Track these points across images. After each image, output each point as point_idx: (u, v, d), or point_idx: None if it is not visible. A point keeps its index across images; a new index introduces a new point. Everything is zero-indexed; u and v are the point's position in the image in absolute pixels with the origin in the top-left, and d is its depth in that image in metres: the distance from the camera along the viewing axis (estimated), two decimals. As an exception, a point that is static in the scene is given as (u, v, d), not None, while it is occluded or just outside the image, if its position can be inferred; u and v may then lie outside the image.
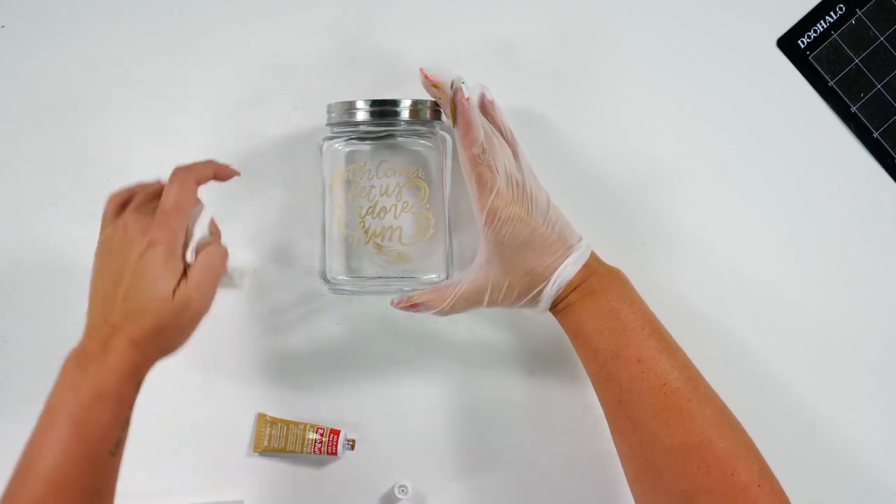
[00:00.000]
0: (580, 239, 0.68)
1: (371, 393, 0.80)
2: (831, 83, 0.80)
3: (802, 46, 0.80)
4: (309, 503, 0.81)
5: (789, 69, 0.80)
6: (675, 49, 0.80)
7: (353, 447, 0.79)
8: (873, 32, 0.80)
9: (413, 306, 0.69)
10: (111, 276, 0.61)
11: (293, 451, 0.78)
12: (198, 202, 0.65)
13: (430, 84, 0.69)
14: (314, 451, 0.78)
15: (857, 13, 0.80)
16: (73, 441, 0.58)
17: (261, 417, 0.79)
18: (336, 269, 0.75)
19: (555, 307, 0.69)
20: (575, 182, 0.80)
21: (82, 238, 0.79)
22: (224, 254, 0.65)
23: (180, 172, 0.64)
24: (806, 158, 0.81)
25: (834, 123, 0.81)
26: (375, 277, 0.75)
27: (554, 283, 0.66)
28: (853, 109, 0.80)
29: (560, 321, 0.69)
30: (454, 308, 0.68)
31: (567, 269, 0.66)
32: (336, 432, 0.78)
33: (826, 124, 0.81)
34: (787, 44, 0.80)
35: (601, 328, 0.66)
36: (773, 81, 0.81)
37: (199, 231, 0.66)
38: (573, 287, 0.67)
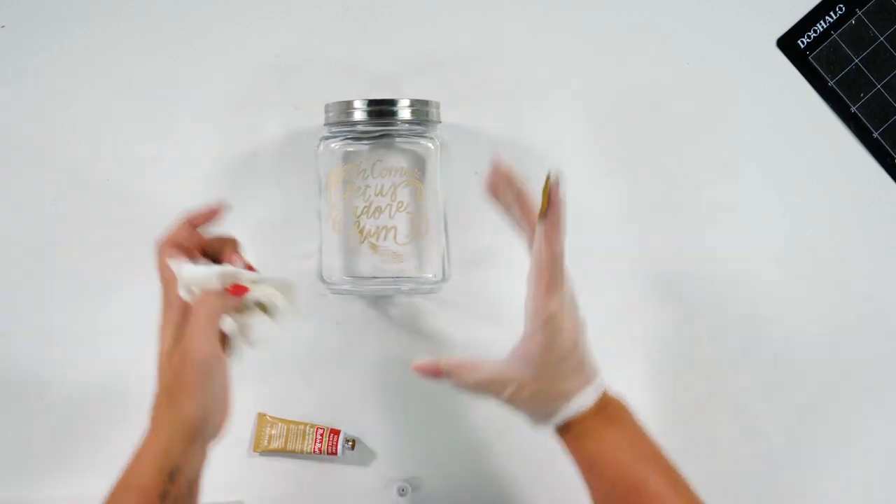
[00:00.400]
0: (597, 371, 0.66)
1: (371, 393, 0.80)
2: (831, 83, 0.80)
3: (802, 46, 0.80)
4: (309, 503, 0.81)
5: (789, 69, 0.80)
6: (675, 49, 0.80)
7: (353, 447, 0.79)
8: (873, 32, 0.80)
9: (437, 373, 0.65)
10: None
11: (293, 451, 0.78)
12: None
13: (502, 172, 0.63)
14: (314, 451, 0.78)
15: (857, 13, 0.80)
16: None
17: (261, 417, 0.79)
18: (333, 269, 0.75)
19: (567, 431, 0.65)
20: (572, 181, 0.80)
21: (81, 238, 0.79)
22: (210, 301, 0.61)
23: (155, 248, 0.64)
24: (806, 158, 0.81)
25: (834, 123, 0.81)
26: (372, 277, 0.75)
27: (573, 405, 0.63)
28: (853, 109, 0.80)
29: (571, 446, 0.66)
30: (476, 387, 0.65)
31: (587, 397, 0.64)
32: (336, 432, 0.78)
33: (826, 124, 0.81)
34: (787, 44, 0.80)
35: (619, 458, 0.64)
36: (773, 81, 0.81)
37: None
38: (591, 415, 0.64)
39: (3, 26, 0.79)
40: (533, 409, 0.65)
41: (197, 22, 0.80)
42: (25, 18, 0.79)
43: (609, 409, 0.65)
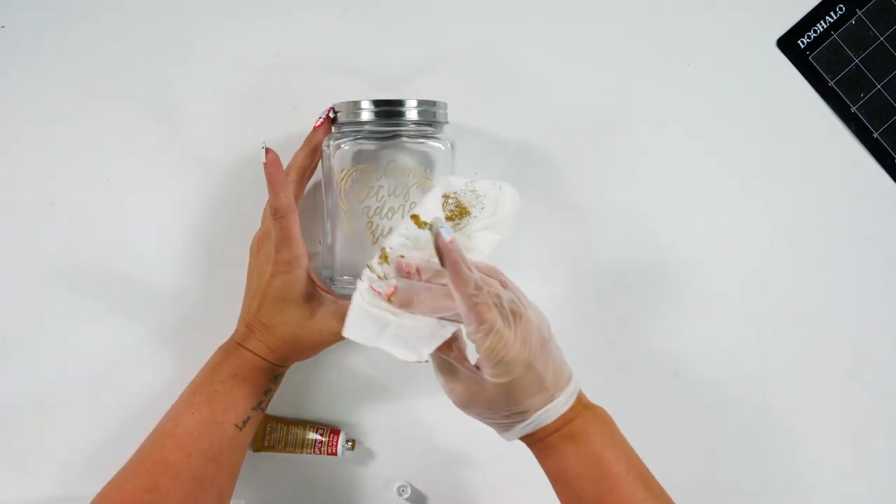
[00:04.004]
0: (570, 378, 0.65)
1: (371, 393, 0.80)
2: (831, 83, 0.80)
3: (802, 46, 0.80)
4: (309, 503, 0.81)
5: (789, 69, 0.81)
6: (675, 49, 0.80)
7: (353, 447, 0.79)
8: (873, 32, 0.80)
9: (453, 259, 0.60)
10: (250, 291, 0.72)
11: (293, 451, 0.78)
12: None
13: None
14: (314, 451, 0.78)
15: (857, 13, 0.80)
16: (205, 407, 0.67)
17: (261, 417, 0.79)
18: (343, 269, 0.74)
19: (531, 443, 0.65)
20: (570, 181, 0.80)
21: (81, 238, 0.79)
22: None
23: (275, 176, 0.68)
24: (806, 158, 0.81)
25: (834, 123, 0.81)
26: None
27: (530, 423, 0.63)
28: (853, 109, 0.80)
29: (538, 457, 0.66)
30: (445, 381, 0.65)
31: (546, 414, 0.63)
32: (336, 432, 0.78)
33: (826, 124, 0.81)
34: (787, 44, 0.80)
35: (584, 474, 0.62)
36: (773, 81, 0.81)
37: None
38: (555, 429, 0.64)
39: (2, 26, 0.79)
40: (492, 422, 0.65)
41: (197, 22, 0.80)
42: (25, 18, 0.79)
43: (575, 424, 0.64)
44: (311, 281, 0.71)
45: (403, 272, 0.65)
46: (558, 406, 0.63)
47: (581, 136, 0.80)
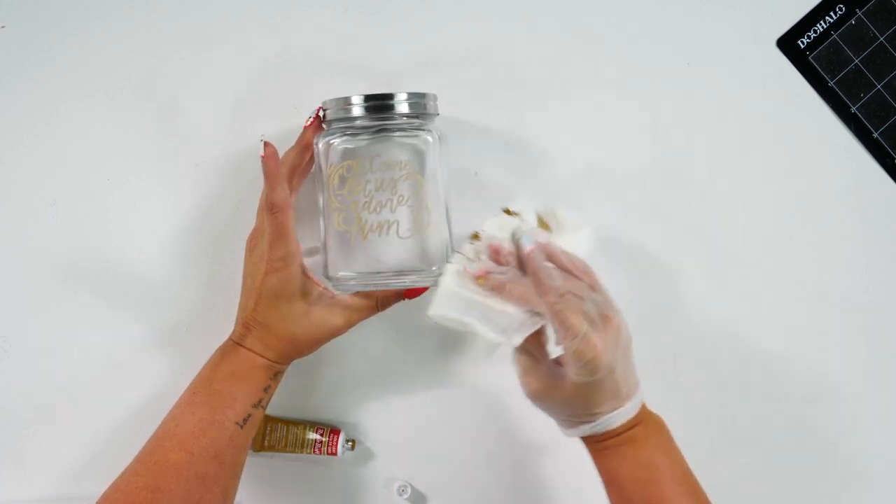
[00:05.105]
0: (637, 385, 0.66)
1: (371, 393, 0.80)
2: (831, 83, 0.80)
3: (802, 46, 0.80)
4: (309, 503, 0.81)
5: (789, 69, 0.81)
6: (675, 49, 0.80)
7: (353, 447, 0.79)
8: (873, 32, 0.80)
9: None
10: (246, 290, 0.72)
11: (293, 451, 0.78)
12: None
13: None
14: (314, 451, 0.78)
15: (857, 13, 0.80)
16: (204, 406, 0.68)
17: (261, 417, 0.79)
18: (337, 265, 0.74)
19: (592, 443, 0.67)
20: (571, 180, 0.80)
21: (81, 238, 0.79)
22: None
23: (272, 173, 0.68)
24: (806, 158, 0.81)
25: (834, 123, 0.81)
26: (376, 273, 0.74)
27: (600, 425, 0.64)
28: (853, 109, 0.80)
29: (593, 456, 0.67)
30: (522, 375, 0.67)
31: (616, 419, 0.64)
32: (336, 432, 0.78)
33: (826, 124, 0.81)
34: (787, 44, 0.80)
35: (637, 477, 0.64)
36: (773, 81, 0.81)
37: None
38: (615, 434, 0.65)
39: (3, 27, 0.79)
40: (559, 417, 0.67)
41: (197, 22, 0.80)
42: (25, 18, 0.79)
43: (637, 430, 0.65)
44: (306, 277, 0.71)
45: (493, 254, 0.66)
46: (626, 412, 0.65)
47: (580, 135, 0.80)
